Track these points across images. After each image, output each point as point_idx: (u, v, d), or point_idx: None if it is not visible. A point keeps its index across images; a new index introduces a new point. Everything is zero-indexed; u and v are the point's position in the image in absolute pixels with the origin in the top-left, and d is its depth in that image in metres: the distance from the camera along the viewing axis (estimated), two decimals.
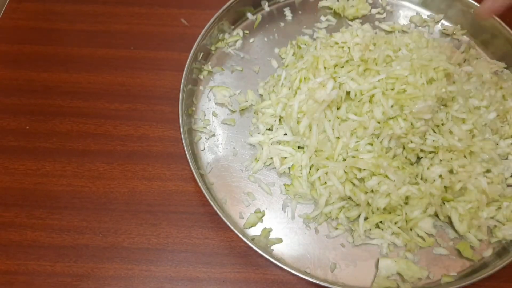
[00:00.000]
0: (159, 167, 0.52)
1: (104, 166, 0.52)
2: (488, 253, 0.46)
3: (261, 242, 0.46)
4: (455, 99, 0.48)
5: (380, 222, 0.46)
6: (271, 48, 0.59)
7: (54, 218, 0.48)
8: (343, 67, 0.50)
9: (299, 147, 0.50)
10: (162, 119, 0.55)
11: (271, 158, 0.50)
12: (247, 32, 0.60)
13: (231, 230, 0.44)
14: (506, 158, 0.49)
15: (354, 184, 0.46)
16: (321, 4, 0.62)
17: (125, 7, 0.64)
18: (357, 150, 0.46)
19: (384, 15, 0.62)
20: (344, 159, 0.47)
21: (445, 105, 0.48)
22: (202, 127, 0.53)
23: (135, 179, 0.51)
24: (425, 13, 0.62)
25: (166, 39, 0.61)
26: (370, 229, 0.46)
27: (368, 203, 0.46)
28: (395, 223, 0.46)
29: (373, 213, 0.46)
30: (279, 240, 0.46)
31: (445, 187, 0.46)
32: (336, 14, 0.62)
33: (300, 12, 0.62)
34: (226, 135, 0.53)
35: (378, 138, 0.46)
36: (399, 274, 0.44)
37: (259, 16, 0.61)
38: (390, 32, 0.60)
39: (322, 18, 0.62)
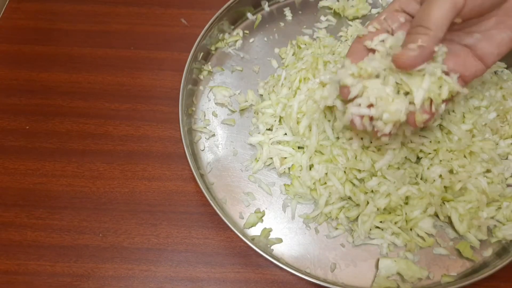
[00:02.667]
0: (159, 167, 0.52)
1: (104, 166, 0.52)
2: (488, 253, 0.46)
3: (261, 242, 0.46)
4: (454, 101, 0.48)
5: (380, 222, 0.46)
6: (271, 48, 0.59)
7: (54, 218, 0.48)
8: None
9: (299, 147, 0.50)
10: (162, 119, 0.55)
11: (271, 158, 0.50)
12: (247, 32, 0.60)
13: (231, 230, 0.44)
14: (506, 158, 0.49)
15: (354, 184, 0.46)
16: (321, 4, 0.62)
17: (125, 7, 0.64)
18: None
19: None
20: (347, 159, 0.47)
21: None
22: (202, 127, 0.53)
23: (135, 179, 0.51)
24: None
25: (166, 39, 0.61)
26: (370, 229, 0.46)
27: (368, 203, 0.46)
28: (395, 223, 0.46)
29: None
30: (279, 240, 0.46)
31: (445, 187, 0.46)
32: (336, 14, 0.62)
33: (300, 12, 0.62)
34: (226, 135, 0.53)
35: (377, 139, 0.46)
36: (399, 274, 0.44)
37: (259, 16, 0.61)
38: None
39: (322, 18, 0.62)
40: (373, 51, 0.40)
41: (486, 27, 0.39)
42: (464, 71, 0.39)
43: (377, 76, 0.38)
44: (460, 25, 0.38)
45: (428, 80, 0.36)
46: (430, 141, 0.47)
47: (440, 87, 0.37)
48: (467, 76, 0.39)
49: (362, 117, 0.38)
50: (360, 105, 0.38)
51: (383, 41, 0.39)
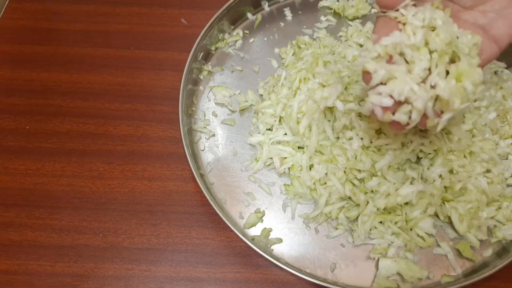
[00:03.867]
0: (159, 167, 0.52)
1: (104, 166, 0.52)
2: (488, 253, 0.46)
3: (261, 242, 0.46)
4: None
5: (380, 222, 0.46)
6: (271, 48, 0.59)
7: (54, 218, 0.48)
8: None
9: (299, 147, 0.50)
10: (162, 119, 0.55)
11: (271, 158, 0.50)
12: (247, 32, 0.60)
13: (231, 230, 0.44)
14: (506, 158, 0.49)
15: (354, 184, 0.46)
16: (321, 4, 0.62)
17: (125, 7, 0.64)
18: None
19: None
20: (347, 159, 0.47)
21: None
22: (202, 127, 0.53)
23: (135, 179, 0.51)
24: None
25: (166, 39, 0.61)
26: (370, 229, 0.46)
27: (368, 203, 0.46)
28: (395, 223, 0.46)
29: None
30: (279, 240, 0.46)
31: (445, 187, 0.46)
32: (336, 14, 0.62)
33: (300, 12, 0.62)
34: (226, 135, 0.53)
35: (378, 138, 0.46)
36: (399, 274, 0.44)
37: (259, 16, 0.61)
38: None
39: (322, 18, 0.62)
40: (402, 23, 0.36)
41: (500, 5, 0.37)
42: (480, 54, 0.37)
43: (401, 54, 0.34)
44: (473, 2, 0.36)
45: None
46: (430, 142, 0.47)
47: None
48: (482, 59, 0.37)
49: (384, 108, 0.34)
50: (381, 94, 0.34)
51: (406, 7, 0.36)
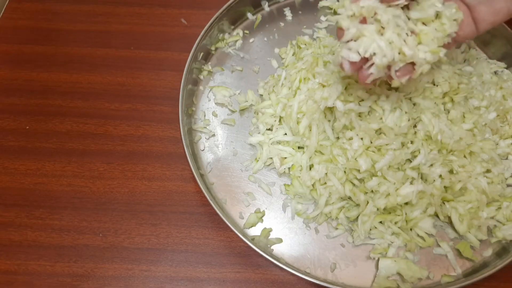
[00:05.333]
0: (159, 167, 0.52)
1: (104, 166, 0.52)
2: (488, 253, 0.46)
3: (261, 242, 0.46)
4: (454, 101, 0.48)
5: (380, 222, 0.46)
6: (271, 48, 0.59)
7: (54, 218, 0.48)
8: None
9: (299, 147, 0.50)
10: (162, 119, 0.55)
11: (271, 158, 0.50)
12: (247, 32, 0.60)
13: (231, 230, 0.44)
14: (506, 158, 0.49)
15: (354, 184, 0.46)
16: (321, 4, 0.62)
17: (125, 7, 0.64)
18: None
19: None
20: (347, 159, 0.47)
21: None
22: (202, 127, 0.53)
23: (135, 179, 0.51)
24: None
25: (166, 39, 0.61)
26: (370, 229, 0.46)
27: (368, 203, 0.45)
28: (395, 223, 0.46)
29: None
30: (279, 240, 0.46)
31: (445, 187, 0.46)
32: (336, 14, 0.62)
33: (300, 12, 0.62)
34: (226, 135, 0.53)
35: (378, 138, 0.46)
36: (399, 274, 0.44)
37: (259, 16, 0.61)
38: None
39: (322, 18, 0.62)
40: None
41: None
42: (459, 30, 0.39)
43: (378, 20, 0.37)
44: None
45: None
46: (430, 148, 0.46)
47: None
48: (460, 35, 0.39)
49: (352, 62, 0.37)
50: (351, 49, 0.37)
51: None
